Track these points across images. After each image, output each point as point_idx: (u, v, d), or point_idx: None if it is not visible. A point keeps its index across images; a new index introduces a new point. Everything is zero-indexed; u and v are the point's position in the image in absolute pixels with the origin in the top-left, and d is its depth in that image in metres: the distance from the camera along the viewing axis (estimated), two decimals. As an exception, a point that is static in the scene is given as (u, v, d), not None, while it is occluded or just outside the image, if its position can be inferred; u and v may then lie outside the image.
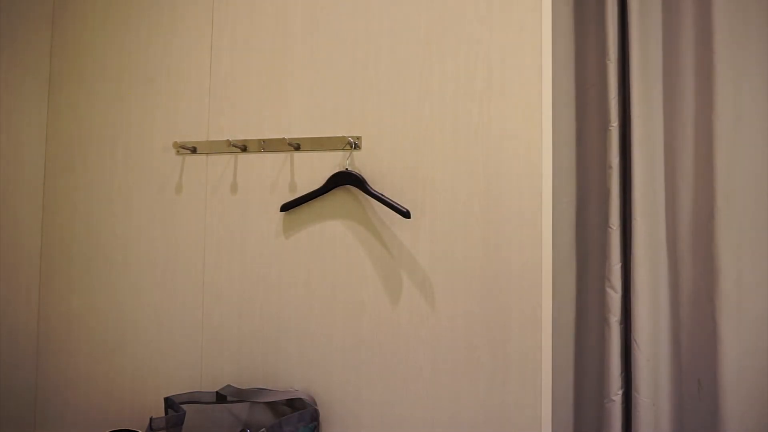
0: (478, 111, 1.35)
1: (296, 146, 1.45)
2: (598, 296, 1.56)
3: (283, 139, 1.45)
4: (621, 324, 1.50)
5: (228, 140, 1.47)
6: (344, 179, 1.39)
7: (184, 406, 1.33)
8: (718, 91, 1.42)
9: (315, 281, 1.43)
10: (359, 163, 1.42)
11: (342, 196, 1.42)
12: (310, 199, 1.41)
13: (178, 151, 1.55)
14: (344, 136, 1.42)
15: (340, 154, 1.43)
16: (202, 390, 1.47)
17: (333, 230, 1.43)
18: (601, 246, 1.56)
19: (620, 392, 1.49)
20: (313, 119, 1.45)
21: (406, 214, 1.33)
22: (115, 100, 1.61)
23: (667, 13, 1.53)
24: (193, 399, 1.39)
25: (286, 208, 1.43)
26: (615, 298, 1.50)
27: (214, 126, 1.52)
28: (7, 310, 1.57)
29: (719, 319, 1.39)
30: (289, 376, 1.44)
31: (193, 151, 1.53)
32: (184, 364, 1.51)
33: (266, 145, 1.47)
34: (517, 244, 1.31)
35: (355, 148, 1.41)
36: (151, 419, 1.27)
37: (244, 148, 1.48)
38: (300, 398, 1.36)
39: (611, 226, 1.50)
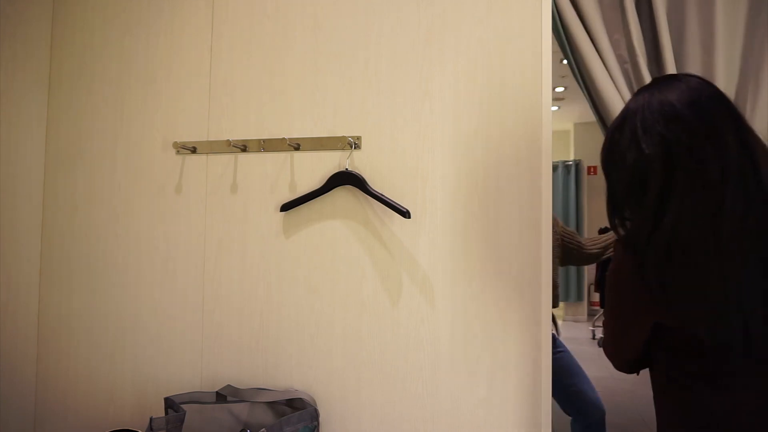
0: (477, 111, 1.35)
1: (296, 146, 1.45)
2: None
3: (283, 139, 1.45)
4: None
5: (228, 140, 1.48)
6: (344, 179, 1.39)
7: (184, 406, 1.33)
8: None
9: (315, 281, 1.43)
10: (359, 163, 1.42)
11: (342, 196, 1.43)
12: (310, 199, 1.41)
13: (178, 151, 1.55)
14: (344, 136, 1.42)
15: (339, 154, 1.43)
16: (202, 390, 1.47)
17: (333, 230, 1.43)
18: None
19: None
20: (313, 119, 1.45)
21: (405, 214, 1.33)
22: (115, 100, 1.61)
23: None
24: (193, 399, 1.39)
25: (286, 208, 1.43)
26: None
27: (214, 126, 1.53)
28: (7, 311, 1.57)
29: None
30: (289, 376, 1.44)
31: (193, 151, 1.53)
32: (184, 364, 1.51)
33: (266, 145, 1.47)
34: (517, 244, 1.32)
35: (355, 148, 1.41)
36: (151, 419, 1.27)
37: (244, 148, 1.48)
38: (300, 398, 1.36)
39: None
